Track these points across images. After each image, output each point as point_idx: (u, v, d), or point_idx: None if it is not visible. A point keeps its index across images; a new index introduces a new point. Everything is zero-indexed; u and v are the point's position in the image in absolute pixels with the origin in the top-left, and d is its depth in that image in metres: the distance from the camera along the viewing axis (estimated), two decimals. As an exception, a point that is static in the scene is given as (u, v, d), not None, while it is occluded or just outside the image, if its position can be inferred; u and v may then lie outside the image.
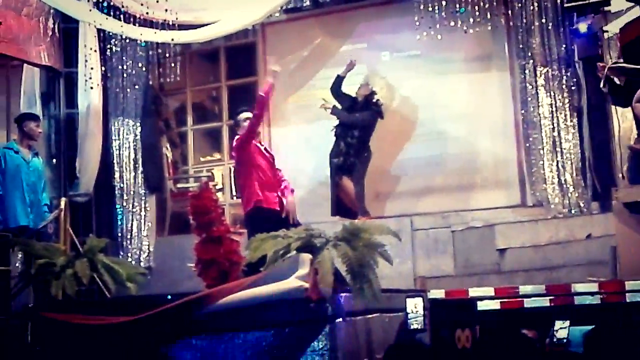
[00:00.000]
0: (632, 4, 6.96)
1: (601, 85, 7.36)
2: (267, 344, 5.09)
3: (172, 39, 8.47)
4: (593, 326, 5.57)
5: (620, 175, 7.21)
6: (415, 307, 5.99)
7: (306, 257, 5.04)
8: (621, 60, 7.07)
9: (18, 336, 5.63)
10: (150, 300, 5.48)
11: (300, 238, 5.16)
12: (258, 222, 6.49)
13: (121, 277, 6.19)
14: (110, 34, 8.86)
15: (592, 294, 5.92)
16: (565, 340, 6.24)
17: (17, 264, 7.14)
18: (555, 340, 6.29)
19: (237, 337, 5.14)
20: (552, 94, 8.27)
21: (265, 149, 7.04)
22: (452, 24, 8.03)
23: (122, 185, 9.37)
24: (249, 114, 6.92)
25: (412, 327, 5.96)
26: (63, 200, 7.29)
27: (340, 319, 5.06)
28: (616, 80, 7.00)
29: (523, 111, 8.55)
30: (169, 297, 5.32)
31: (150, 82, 9.65)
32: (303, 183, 9.41)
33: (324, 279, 4.85)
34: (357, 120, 8.42)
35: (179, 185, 10.15)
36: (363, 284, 4.99)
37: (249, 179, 6.75)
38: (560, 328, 6.19)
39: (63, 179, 9.14)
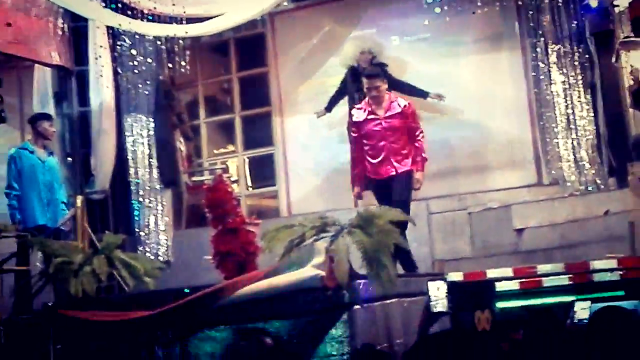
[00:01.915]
0: (642, -24, 6.88)
1: (613, 59, 7.31)
2: (286, 333, 5.11)
3: (181, 33, 8.47)
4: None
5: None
6: (437, 289, 5.99)
7: (321, 245, 5.05)
8: (632, 35, 7.01)
9: (40, 335, 5.68)
10: (168, 294, 5.51)
11: (315, 227, 5.16)
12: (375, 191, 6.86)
13: (139, 272, 6.21)
14: (120, 30, 8.86)
15: (611, 270, 5.86)
16: (586, 321, 6.18)
17: (37, 263, 7.21)
18: (576, 321, 6.24)
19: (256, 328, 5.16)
20: (565, 71, 8.20)
21: (370, 112, 6.83)
22: (460, 6, 7.94)
23: (137, 180, 9.38)
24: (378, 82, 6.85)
25: (435, 310, 5.95)
26: (79, 198, 7.35)
27: (358, 306, 5.06)
28: None
29: (536, 90, 8.48)
30: (187, 290, 5.35)
31: (161, 77, 9.65)
32: (317, 172, 9.43)
33: (339, 266, 4.86)
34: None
35: (194, 179, 10.16)
36: (379, 270, 4.98)
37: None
38: (581, 309, 6.14)
39: (79, 177, 9.20)
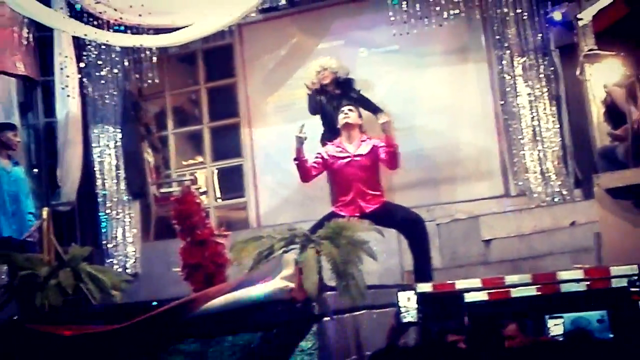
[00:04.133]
0: (605, -10, 6.99)
1: (577, 72, 7.41)
2: (256, 346, 5.08)
3: (149, 44, 8.42)
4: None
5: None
6: (407, 300, 6.01)
7: (290, 257, 5.04)
8: (596, 48, 7.12)
9: (5, 349, 5.58)
10: (136, 308, 5.46)
11: (284, 238, 5.15)
12: None
13: (106, 285, 6.15)
14: (86, 40, 8.79)
15: (577, 281, 5.92)
16: (562, 336, 6.22)
17: (2, 276, 7.10)
18: (549, 337, 6.28)
19: (225, 341, 5.13)
20: (530, 83, 8.28)
21: (342, 149, 6.84)
22: (427, 18, 7.99)
23: (104, 192, 9.31)
24: (350, 109, 6.90)
25: (405, 320, 5.96)
26: (45, 210, 7.24)
27: (328, 318, 5.06)
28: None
29: (502, 102, 8.56)
30: (154, 303, 5.30)
31: (128, 88, 9.59)
32: (286, 183, 9.40)
33: (308, 278, 4.85)
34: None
35: (162, 190, 10.09)
36: (348, 281, 4.99)
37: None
38: (555, 325, 6.18)
39: (45, 188, 9.09)
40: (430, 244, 6.89)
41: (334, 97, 8.37)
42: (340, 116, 6.92)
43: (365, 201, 6.69)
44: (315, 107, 8.54)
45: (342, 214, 6.48)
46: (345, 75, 8.54)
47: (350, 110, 6.92)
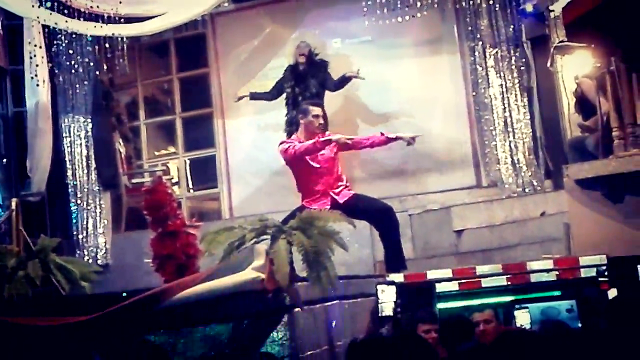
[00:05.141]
0: (575, -18, 7.04)
1: (548, 64, 7.46)
2: (227, 336, 5.06)
3: (120, 33, 8.34)
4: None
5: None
6: (382, 292, 6.05)
7: (261, 247, 5.02)
8: (567, 39, 7.18)
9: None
10: (105, 299, 5.41)
11: (255, 229, 5.13)
12: None
13: (75, 276, 6.10)
14: (56, 29, 8.68)
15: (547, 271, 5.98)
16: (528, 326, 6.30)
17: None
18: (516, 327, 6.34)
19: (196, 332, 5.11)
20: (502, 74, 8.32)
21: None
22: (399, 6, 7.99)
23: (75, 182, 9.22)
24: (319, 110, 6.86)
25: (383, 314, 6.00)
26: (14, 201, 7.18)
27: (299, 308, 5.06)
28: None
29: (474, 93, 8.60)
30: (124, 294, 5.26)
31: (100, 77, 9.49)
32: (259, 173, 9.40)
33: (279, 269, 4.84)
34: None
35: (134, 181, 10.03)
36: (320, 271, 4.98)
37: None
38: (521, 314, 6.25)
39: (14, 179, 8.99)
40: (400, 233, 6.88)
41: (303, 75, 8.59)
42: (313, 119, 6.81)
43: (336, 193, 6.70)
44: (280, 88, 8.67)
45: (313, 207, 6.47)
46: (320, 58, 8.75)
47: (322, 114, 6.90)
